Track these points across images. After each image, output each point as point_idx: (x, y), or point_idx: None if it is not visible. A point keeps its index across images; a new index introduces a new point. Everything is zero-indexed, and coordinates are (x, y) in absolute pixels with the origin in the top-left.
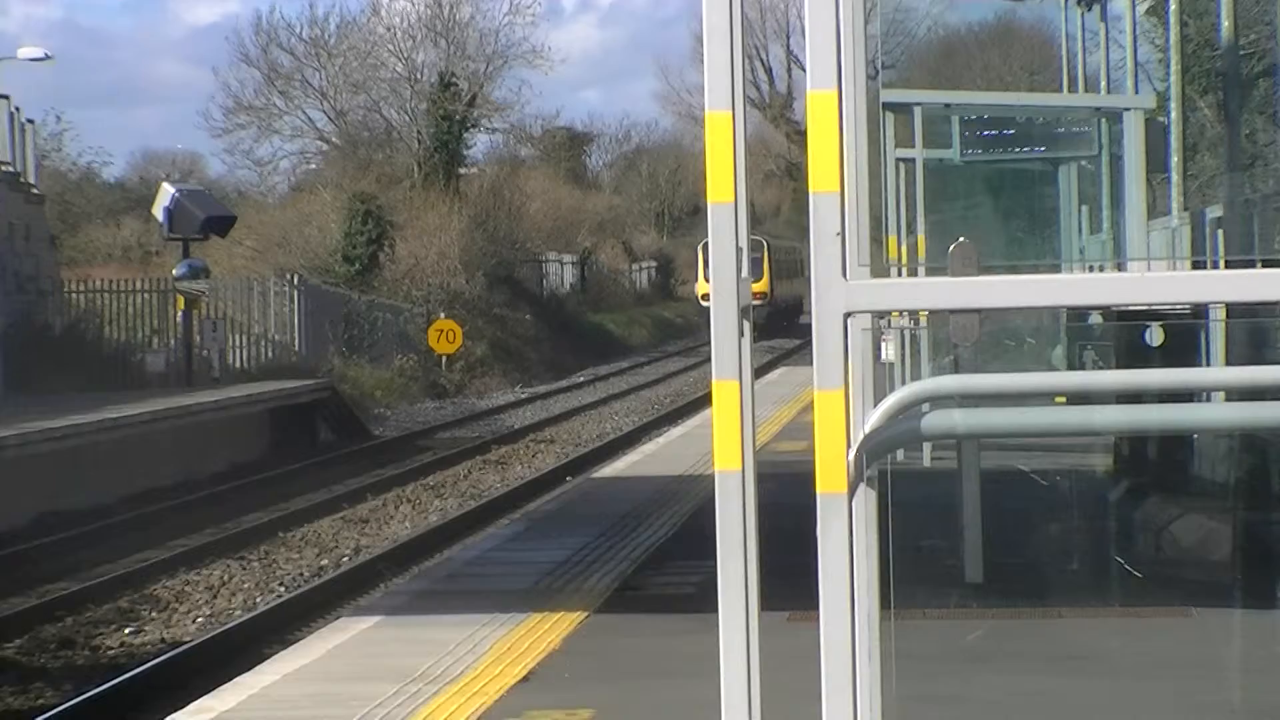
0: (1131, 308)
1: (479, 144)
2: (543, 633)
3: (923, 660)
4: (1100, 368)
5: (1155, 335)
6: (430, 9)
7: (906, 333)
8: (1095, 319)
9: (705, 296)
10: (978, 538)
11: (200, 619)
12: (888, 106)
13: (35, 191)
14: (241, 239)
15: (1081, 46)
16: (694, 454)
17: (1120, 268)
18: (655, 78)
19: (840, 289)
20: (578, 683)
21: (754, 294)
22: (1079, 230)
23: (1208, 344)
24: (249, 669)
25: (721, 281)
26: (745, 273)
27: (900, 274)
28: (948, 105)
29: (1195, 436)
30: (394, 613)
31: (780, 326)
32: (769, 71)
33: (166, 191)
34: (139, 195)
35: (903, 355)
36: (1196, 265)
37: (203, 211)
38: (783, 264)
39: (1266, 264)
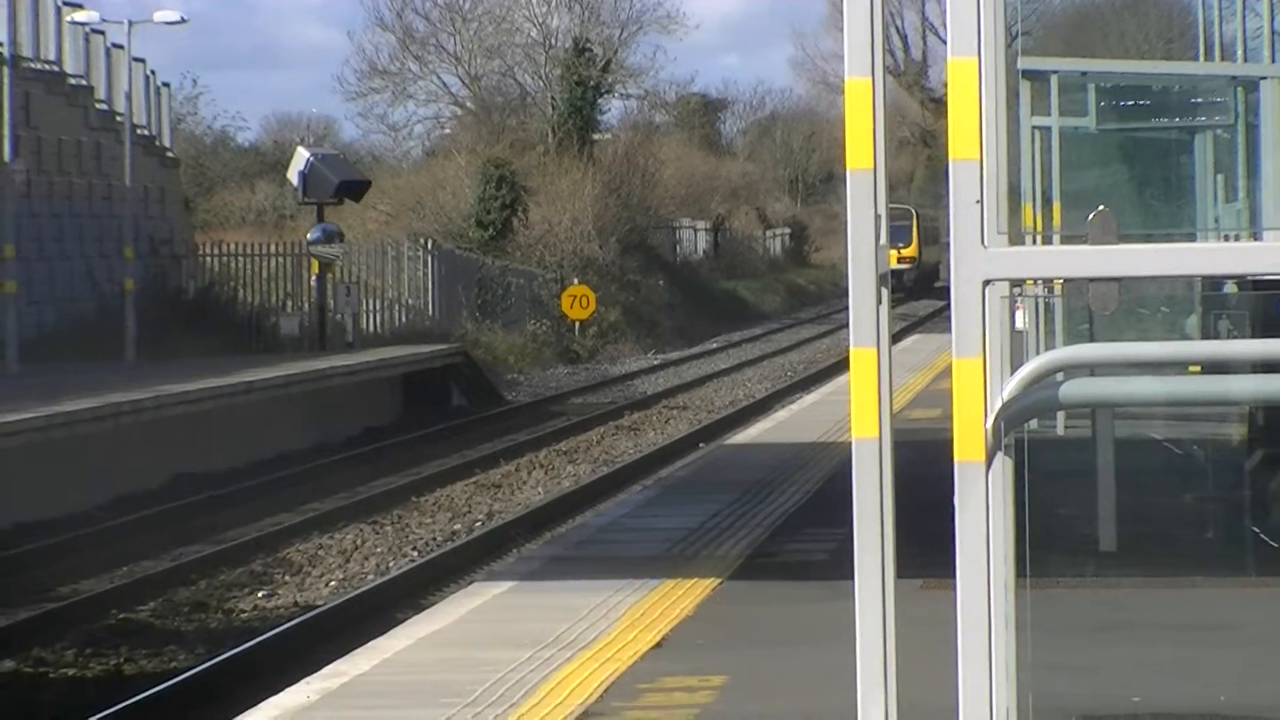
0: (1268, 277)
1: (613, 110)
2: (675, 599)
3: (1058, 630)
4: (1235, 337)
5: None
6: None
7: (1040, 301)
8: (1230, 288)
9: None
10: (1112, 507)
11: (333, 583)
12: (1025, 74)
13: (170, 155)
14: (375, 203)
15: (1218, 14)
16: (826, 421)
17: (1256, 237)
18: (791, 44)
19: (979, 256)
20: (710, 649)
21: (906, 258)
22: (1214, 199)
23: None
24: (382, 633)
25: (860, 248)
26: (884, 240)
27: (1036, 242)
28: (1084, 73)
29: None
30: (527, 578)
31: (930, 288)
32: (904, 38)
33: (301, 155)
34: (273, 159)
35: (1036, 324)
36: None
37: (337, 176)
38: (926, 231)
39: None
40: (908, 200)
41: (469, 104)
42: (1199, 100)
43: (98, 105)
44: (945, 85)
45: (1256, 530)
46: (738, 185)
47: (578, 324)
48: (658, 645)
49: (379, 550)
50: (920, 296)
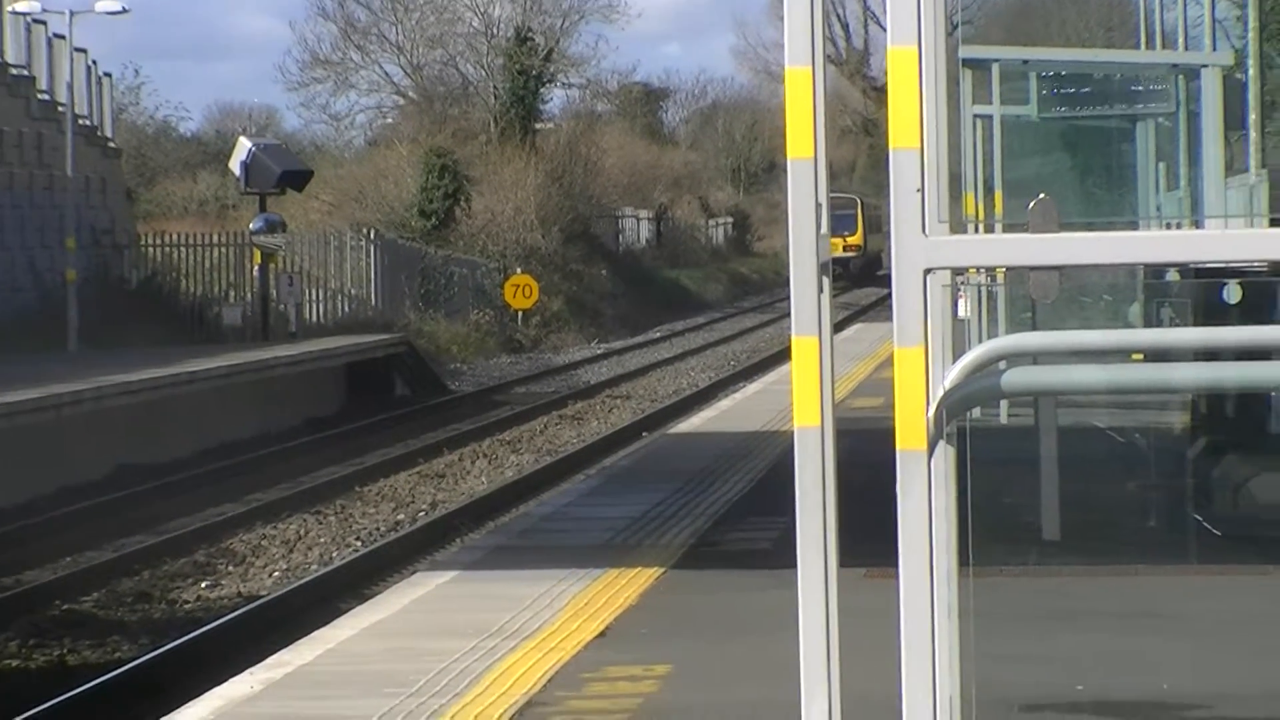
0: (1210, 265)
1: (555, 99)
2: (619, 588)
3: (1001, 619)
4: (1177, 325)
5: (1233, 292)
6: None
7: (982, 289)
8: (1172, 276)
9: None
10: (1055, 495)
11: (276, 573)
12: (966, 63)
13: (112, 145)
14: (318, 193)
15: (1159, 3)
16: (769, 410)
17: (1198, 225)
18: (733, 33)
19: (920, 245)
20: (654, 638)
21: (851, 246)
22: (1156, 187)
23: None
24: (325, 623)
25: (801, 237)
26: (825, 228)
27: (978, 231)
28: (1025, 61)
29: (1273, 394)
30: (470, 568)
31: (873, 275)
32: (845, 27)
33: (243, 146)
34: (215, 149)
35: (979, 312)
36: (1274, 222)
37: (279, 166)
38: (870, 219)
39: None
40: (850, 189)
41: (411, 93)
42: (1140, 88)
43: (39, 95)
44: (886, 74)
45: (1199, 518)
46: (680, 174)
47: (521, 313)
48: (602, 634)
49: (322, 540)
50: (864, 284)
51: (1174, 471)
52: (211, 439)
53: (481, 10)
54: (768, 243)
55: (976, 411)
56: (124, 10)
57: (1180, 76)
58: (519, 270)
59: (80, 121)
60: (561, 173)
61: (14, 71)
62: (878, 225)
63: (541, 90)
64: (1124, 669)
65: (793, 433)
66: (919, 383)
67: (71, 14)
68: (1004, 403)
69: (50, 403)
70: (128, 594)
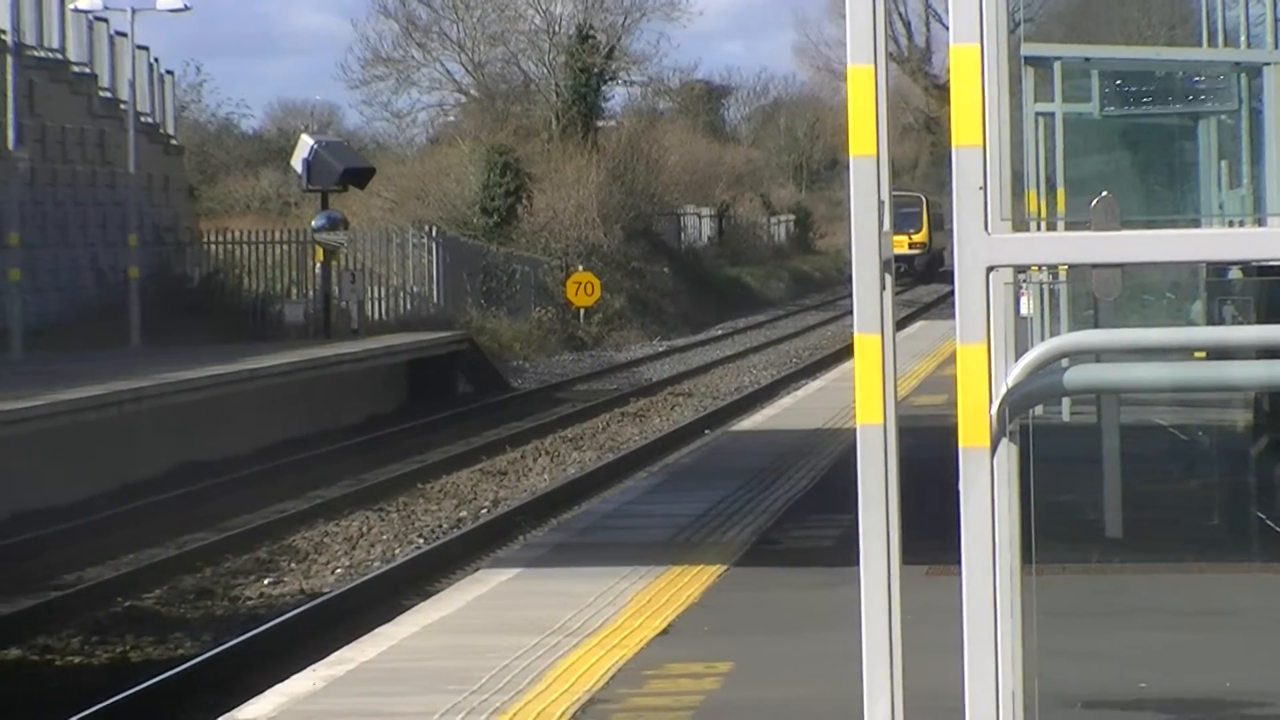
0: (1272, 263)
1: (616, 97)
2: (681, 586)
3: (1063, 615)
4: (1240, 322)
5: None
6: None
7: (1045, 287)
8: (1234, 274)
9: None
10: (1117, 492)
11: (339, 570)
12: (1028, 61)
13: (174, 143)
14: (379, 191)
15: (1221, 1)
16: (831, 408)
17: (1260, 223)
18: (794, 31)
19: (982, 243)
20: (716, 635)
21: (916, 243)
22: (1218, 185)
23: None
24: (387, 620)
25: (863, 234)
26: (887, 226)
27: (1040, 228)
28: (1087, 59)
29: None
30: (532, 565)
31: (936, 272)
32: (907, 25)
33: (305, 143)
34: (277, 147)
35: (1041, 310)
36: None
37: (341, 163)
38: (935, 217)
39: None
40: (912, 186)
41: (473, 91)
42: (1202, 86)
43: (101, 93)
44: (948, 71)
45: (1262, 516)
46: (742, 172)
47: (583, 311)
48: (664, 632)
49: (385, 537)
50: (929, 280)
51: (1236, 469)
52: (273, 436)
53: (543, 8)
54: (829, 240)
55: (1039, 409)
56: (186, 7)
57: (1242, 74)
58: (581, 268)
59: (142, 119)
60: (623, 170)
61: (76, 69)
62: (941, 223)
63: (603, 88)
64: (1186, 666)
65: (855, 430)
66: (981, 380)
67: (133, 11)
68: (1066, 400)
69: (113, 400)
70: (190, 591)
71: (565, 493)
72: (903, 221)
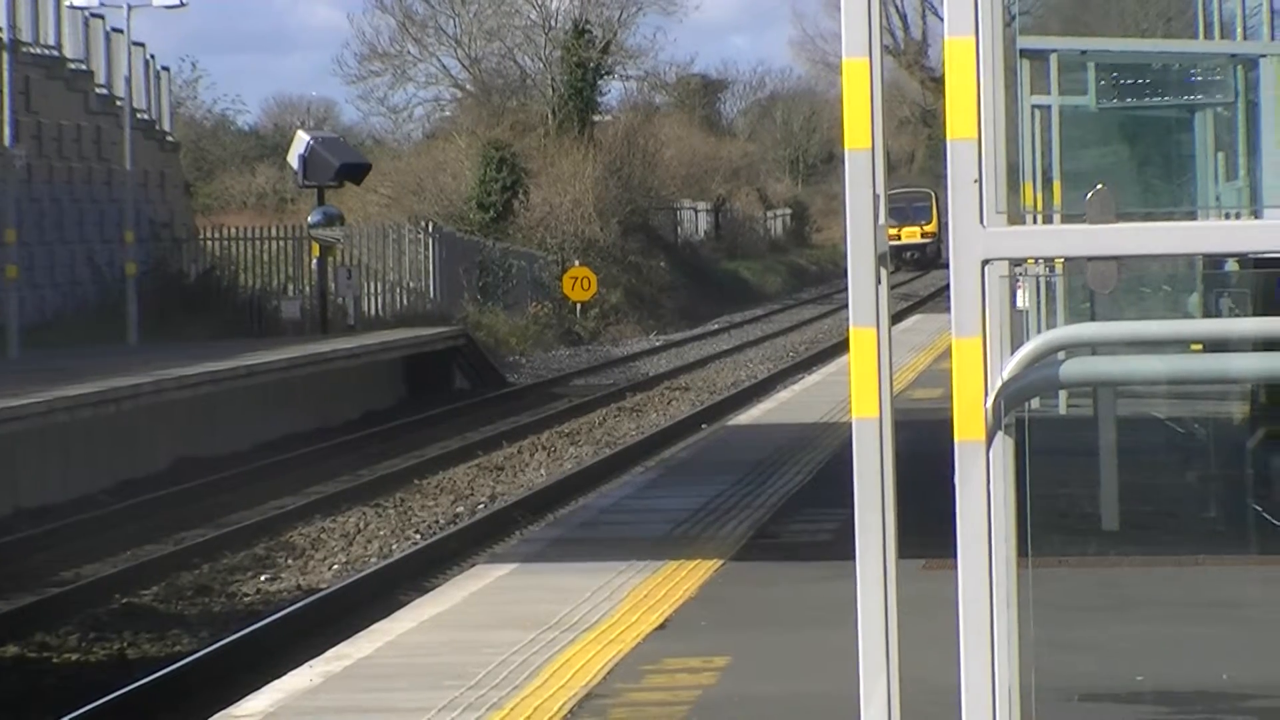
0: (1269, 255)
1: (613, 91)
2: (678, 580)
3: (1059, 608)
4: (1236, 315)
5: None
6: None
7: (1041, 280)
8: (1231, 266)
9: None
10: (1114, 485)
11: (336, 566)
12: (1024, 53)
13: (170, 139)
14: (376, 186)
15: None
16: (828, 401)
17: (1257, 215)
18: (791, 24)
19: (978, 236)
20: (714, 630)
21: (927, 234)
22: (1215, 178)
23: None
24: (385, 616)
25: (858, 228)
26: (883, 219)
27: (1036, 221)
28: (1083, 52)
29: None
30: (529, 560)
31: (946, 259)
32: (903, 18)
33: (301, 139)
34: (273, 142)
35: (1037, 303)
36: None
37: (337, 159)
38: (943, 209)
39: None
40: (908, 180)
41: (469, 86)
42: (1199, 78)
43: (97, 90)
44: (944, 65)
45: (1259, 508)
46: (738, 166)
47: (579, 306)
48: (661, 626)
49: (382, 533)
50: (941, 266)
51: (1233, 462)
52: (270, 432)
53: (539, 3)
54: (826, 234)
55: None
56: (182, 4)
57: (1239, 66)
58: (577, 262)
59: (138, 115)
60: (620, 165)
61: (72, 66)
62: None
63: (599, 82)
64: (1183, 659)
65: (851, 424)
66: (977, 373)
67: (129, 8)
68: (1063, 393)
69: (110, 396)
70: (187, 587)
71: (562, 488)
72: (916, 214)
